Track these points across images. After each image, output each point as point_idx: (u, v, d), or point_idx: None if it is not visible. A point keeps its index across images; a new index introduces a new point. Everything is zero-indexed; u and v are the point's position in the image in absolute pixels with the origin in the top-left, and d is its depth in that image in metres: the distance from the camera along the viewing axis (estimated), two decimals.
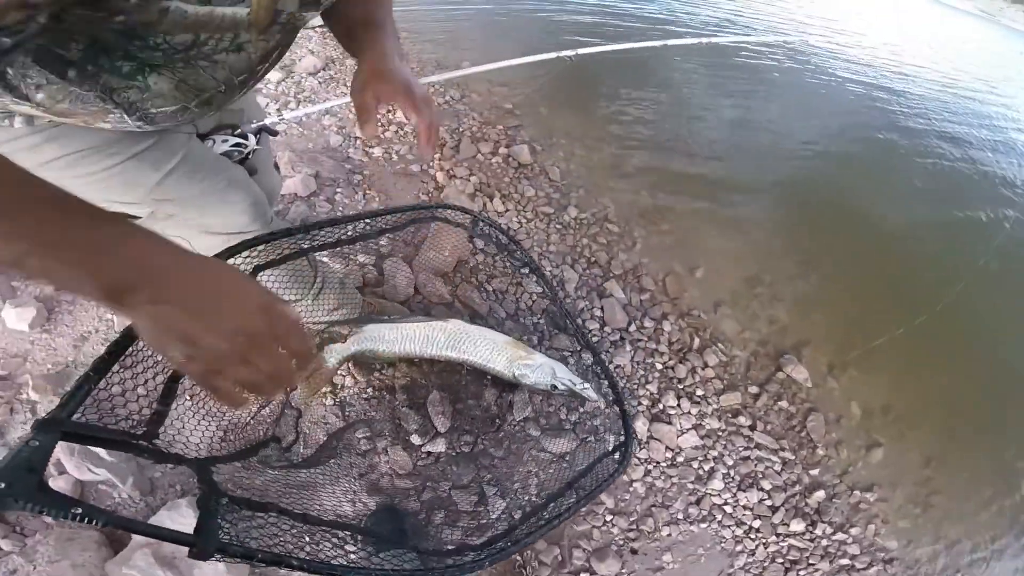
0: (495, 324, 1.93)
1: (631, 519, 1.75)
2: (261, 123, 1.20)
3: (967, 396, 2.52)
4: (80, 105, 0.70)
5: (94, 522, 0.56)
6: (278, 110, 2.89)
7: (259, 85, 3.07)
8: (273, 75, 3.31)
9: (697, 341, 2.26)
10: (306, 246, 1.23)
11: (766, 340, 2.39)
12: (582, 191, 2.70)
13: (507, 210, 2.34)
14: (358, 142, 2.66)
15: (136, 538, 1.29)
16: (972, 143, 5.02)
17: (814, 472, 2.04)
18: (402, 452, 1.62)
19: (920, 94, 5.87)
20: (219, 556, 0.67)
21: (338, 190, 2.30)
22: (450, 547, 1.22)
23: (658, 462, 1.88)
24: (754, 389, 2.20)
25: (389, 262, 1.96)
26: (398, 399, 1.73)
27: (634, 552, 1.70)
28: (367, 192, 2.33)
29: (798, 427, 2.16)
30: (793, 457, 2.05)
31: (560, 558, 1.63)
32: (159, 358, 0.82)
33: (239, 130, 1.14)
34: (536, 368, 1.58)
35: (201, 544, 0.66)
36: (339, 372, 1.70)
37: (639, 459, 1.86)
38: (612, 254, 2.43)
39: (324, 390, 1.68)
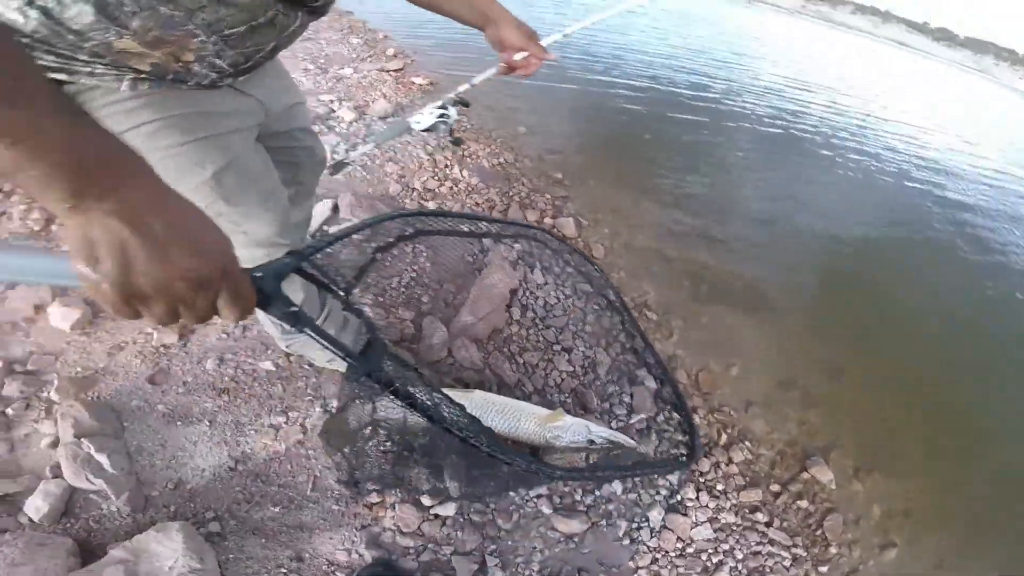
0: (522, 396, 1.93)
1: None
2: (459, 95, 1.32)
3: (991, 504, 2.42)
4: (168, 31, 0.79)
5: (299, 327, 0.70)
6: (346, 150, 3.01)
7: (327, 112, 3.22)
8: (346, 114, 3.47)
9: (724, 437, 2.22)
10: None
11: (795, 441, 2.34)
12: (623, 273, 2.71)
13: (546, 283, 2.35)
14: (414, 193, 2.75)
15: (112, 553, 1.28)
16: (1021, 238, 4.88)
17: (823, 569, 1.95)
18: (410, 510, 1.61)
19: (971, 184, 5.71)
20: (368, 379, 0.83)
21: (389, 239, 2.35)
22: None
23: (667, 551, 1.82)
24: (776, 487, 2.14)
25: (428, 320, 1.98)
26: (415, 457, 1.73)
27: None
28: (416, 247, 2.37)
29: (815, 525, 2.08)
30: (804, 554, 1.97)
31: None
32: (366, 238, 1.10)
33: (441, 102, 1.29)
34: (569, 428, 1.62)
35: (363, 362, 0.81)
36: None
37: (648, 547, 1.81)
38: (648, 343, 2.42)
39: None
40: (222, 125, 1.03)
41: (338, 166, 1.51)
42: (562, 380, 2.06)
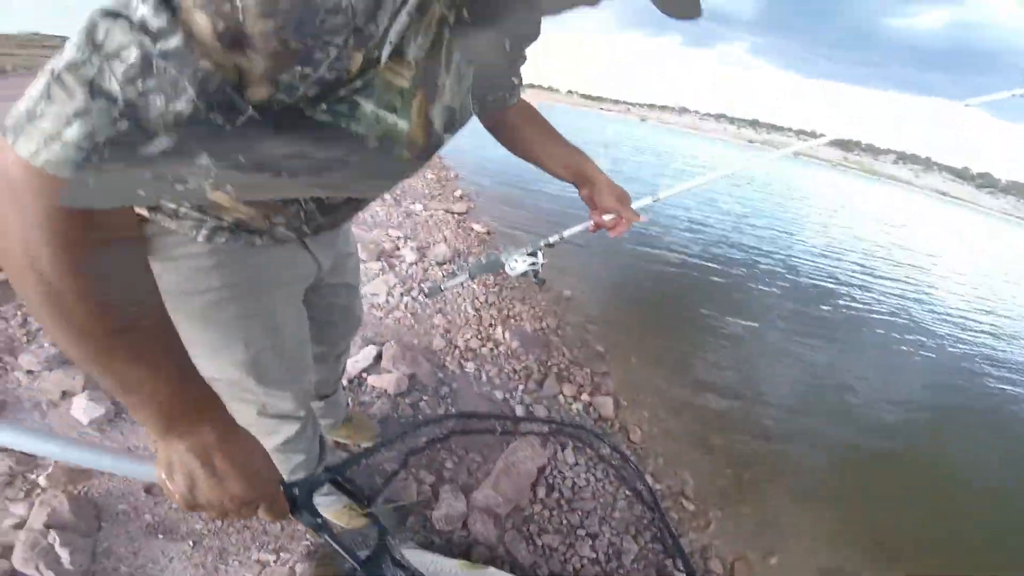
0: None
1: None
2: (548, 243, 1.39)
3: None
4: (275, 187, 0.76)
5: (321, 534, 0.78)
6: (401, 294, 3.16)
7: (387, 252, 3.41)
8: (408, 255, 3.69)
9: None
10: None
11: None
12: (661, 460, 2.53)
13: (577, 463, 2.23)
14: (456, 351, 2.78)
15: None
16: None
17: None
18: None
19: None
20: None
21: (424, 398, 2.32)
22: None
23: None
24: None
25: (448, 487, 1.90)
26: None
27: None
28: (448, 409, 2.32)
29: None
30: None
31: None
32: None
33: (532, 249, 1.36)
34: None
35: (368, 566, 0.88)
36: None
37: None
38: (682, 532, 2.20)
39: None
40: (277, 298, 1.02)
41: (433, 291, 1.60)
42: (582, 567, 1.88)
